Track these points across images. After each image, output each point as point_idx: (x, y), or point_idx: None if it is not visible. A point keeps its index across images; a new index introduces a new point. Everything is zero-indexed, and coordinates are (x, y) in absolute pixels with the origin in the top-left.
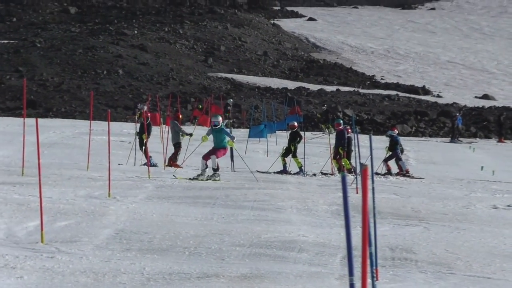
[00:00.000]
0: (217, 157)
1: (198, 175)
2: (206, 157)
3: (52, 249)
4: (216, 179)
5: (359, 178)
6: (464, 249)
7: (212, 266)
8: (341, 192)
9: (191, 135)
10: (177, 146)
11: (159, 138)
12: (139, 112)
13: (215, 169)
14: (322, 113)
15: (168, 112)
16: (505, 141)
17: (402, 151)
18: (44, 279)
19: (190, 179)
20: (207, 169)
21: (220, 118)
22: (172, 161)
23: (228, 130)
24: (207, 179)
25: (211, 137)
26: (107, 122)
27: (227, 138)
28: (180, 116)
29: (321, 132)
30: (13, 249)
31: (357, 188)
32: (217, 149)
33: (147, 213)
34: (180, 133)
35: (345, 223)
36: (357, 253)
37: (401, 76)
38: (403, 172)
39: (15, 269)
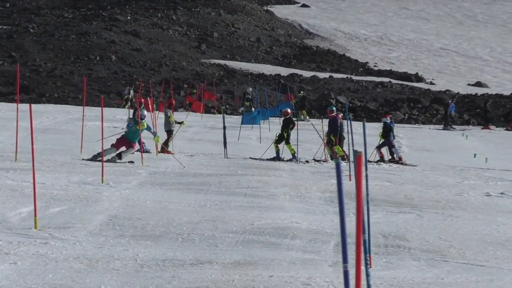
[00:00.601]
0: (133, 153)
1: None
2: (117, 145)
3: (46, 235)
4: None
5: (352, 165)
6: (457, 237)
7: (206, 252)
8: (334, 179)
9: (182, 123)
10: (169, 133)
11: (151, 124)
12: (125, 97)
13: (120, 158)
14: (298, 100)
15: (161, 98)
16: (491, 127)
17: (393, 137)
18: (37, 265)
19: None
20: (109, 153)
21: (145, 112)
22: (164, 148)
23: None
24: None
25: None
26: (100, 108)
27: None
28: (174, 103)
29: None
30: (6, 235)
31: (350, 175)
32: (130, 142)
33: (140, 200)
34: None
35: (339, 210)
36: (350, 240)
37: (394, 63)
38: (396, 159)
39: (9, 255)
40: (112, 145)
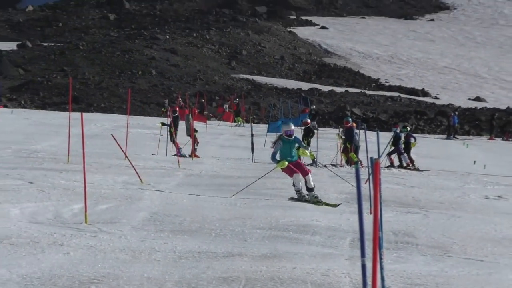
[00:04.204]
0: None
1: (301, 196)
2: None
3: (95, 229)
4: (317, 199)
5: (366, 170)
6: (459, 234)
7: (236, 246)
8: (348, 182)
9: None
10: (192, 137)
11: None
12: (165, 108)
13: (312, 189)
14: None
15: (195, 109)
16: (495, 138)
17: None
18: (88, 255)
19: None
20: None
21: (293, 126)
22: (193, 153)
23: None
24: (313, 201)
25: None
26: (142, 117)
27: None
28: (196, 112)
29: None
30: (60, 229)
31: (367, 179)
32: (298, 164)
33: (178, 199)
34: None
35: (358, 209)
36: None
37: (403, 79)
38: (404, 165)
39: (63, 246)
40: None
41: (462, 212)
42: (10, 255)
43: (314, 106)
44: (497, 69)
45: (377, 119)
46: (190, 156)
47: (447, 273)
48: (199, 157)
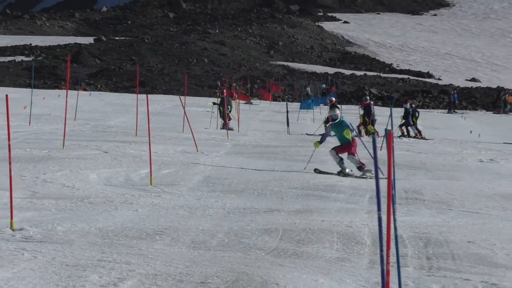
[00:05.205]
0: (354, 155)
1: (342, 172)
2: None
3: (158, 190)
4: (367, 175)
5: (383, 139)
6: (459, 191)
7: (275, 203)
8: (367, 150)
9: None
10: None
11: (234, 109)
12: (219, 88)
13: (360, 167)
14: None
15: (240, 90)
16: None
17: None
18: (153, 211)
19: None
20: (356, 162)
21: (338, 111)
22: (227, 125)
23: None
24: (363, 176)
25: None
26: (196, 97)
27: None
28: (234, 93)
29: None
30: (130, 190)
31: (381, 146)
32: (348, 144)
33: (227, 164)
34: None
35: (375, 171)
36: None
37: (412, 64)
38: (413, 135)
39: (132, 204)
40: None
41: (460, 173)
42: (89, 212)
43: (324, 85)
44: (489, 55)
45: (390, 97)
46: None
47: (449, 223)
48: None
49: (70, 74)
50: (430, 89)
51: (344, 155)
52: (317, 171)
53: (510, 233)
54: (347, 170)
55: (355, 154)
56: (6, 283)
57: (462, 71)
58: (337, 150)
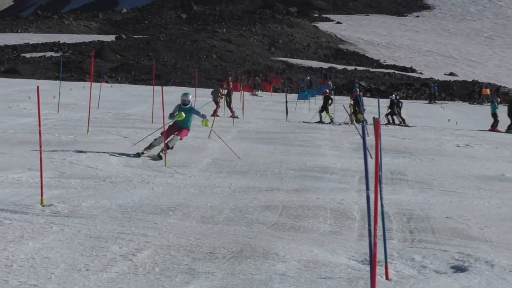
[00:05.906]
0: (181, 138)
1: (146, 148)
2: (166, 132)
3: (172, 171)
4: (161, 154)
5: (370, 126)
6: (438, 173)
7: (275, 183)
8: (359, 135)
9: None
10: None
11: (239, 100)
12: (226, 81)
13: (169, 148)
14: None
15: (244, 83)
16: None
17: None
18: (167, 190)
19: (137, 154)
20: (159, 143)
21: (190, 97)
22: (216, 113)
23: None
24: (154, 157)
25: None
26: (206, 89)
27: (191, 121)
28: (231, 86)
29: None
30: (146, 170)
31: (368, 132)
32: (181, 128)
33: (232, 148)
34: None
35: (364, 155)
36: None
37: (397, 60)
38: (397, 123)
39: (148, 183)
40: (162, 133)
41: (440, 156)
42: (110, 190)
43: (308, 77)
44: (465, 52)
45: (378, 89)
46: (232, 117)
47: (429, 201)
48: (219, 117)
49: (94, 68)
50: (413, 82)
51: (172, 135)
52: (144, 154)
53: (483, 210)
54: (147, 152)
55: (179, 139)
56: (37, 253)
57: (441, 66)
58: (172, 130)
